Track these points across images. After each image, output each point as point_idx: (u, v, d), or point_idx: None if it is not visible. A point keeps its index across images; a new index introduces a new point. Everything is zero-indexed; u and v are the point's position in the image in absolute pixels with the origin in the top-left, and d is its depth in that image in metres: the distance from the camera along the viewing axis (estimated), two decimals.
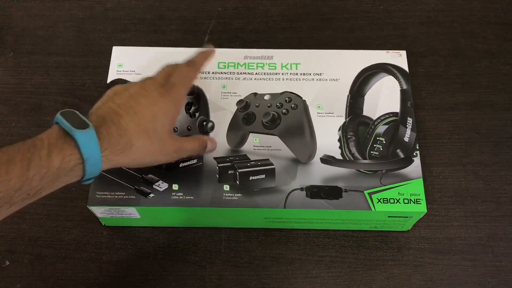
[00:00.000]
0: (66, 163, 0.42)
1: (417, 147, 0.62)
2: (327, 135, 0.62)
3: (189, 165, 0.60)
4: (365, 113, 0.64)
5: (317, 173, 0.60)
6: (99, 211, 0.59)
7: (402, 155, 0.61)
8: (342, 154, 0.61)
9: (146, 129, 0.47)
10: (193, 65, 0.56)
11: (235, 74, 0.66)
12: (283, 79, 0.66)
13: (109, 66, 0.66)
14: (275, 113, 0.63)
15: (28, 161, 0.40)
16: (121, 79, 0.64)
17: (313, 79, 0.66)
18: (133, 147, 0.46)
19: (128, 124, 0.46)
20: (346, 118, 0.63)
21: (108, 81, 0.65)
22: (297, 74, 0.66)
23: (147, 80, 0.51)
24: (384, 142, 0.62)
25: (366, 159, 0.61)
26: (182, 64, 0.55)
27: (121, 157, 0.46)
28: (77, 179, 0.44)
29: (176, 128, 0.62)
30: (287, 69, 0.67)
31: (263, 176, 0.59)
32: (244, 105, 0.64)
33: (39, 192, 0.42)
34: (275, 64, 0.67)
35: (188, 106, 0.63)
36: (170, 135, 0.51)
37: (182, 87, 0.53)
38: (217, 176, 0.59)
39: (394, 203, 0.58)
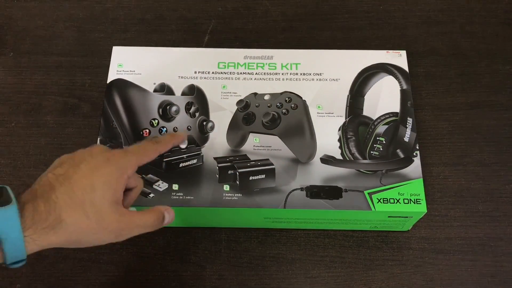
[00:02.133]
0: None
1: (417, 147, 0.62)
2: (327, 135, 0.62)
3: (189, 165, 0.61)
4: (365, 113, 0.64)
5: (317, 173, 0.60)
6: None
7: (402, 155, 0.61)
8: (342, 154, 0.61)
9: (81, 202, 0.41)
10: (157, 142, 0.50)
11: (235, 74, 0.66)
12: (283, 79, 0.66)
13: (109, 66, 0.66)
14: (275, 113, 0.63)
15: None
16: (121, 79, 0.64)
17: (313, 79, 0.66)
18: (64, 223, 0.40)
19: (59, 196, 0.40)
20: (346, 118, 0.63)
21: (108, 81, 0.65)
22: (297, 74, 0.66)
23: (99, 145, 0.46)
24: (384, 142, 0.62)
25: (366, 159, 0.61)
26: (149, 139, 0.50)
27: (52, 235, 0.40)
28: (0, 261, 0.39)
29: (176, 128, 0.62)
30: (287, 69, 0.67)
31: (263, 176, 0.59)
32: (244, 105, 0.64)
33: None
34: (275, 64, 0.67)
35: (188, 106, 0.63)
36: (114, 208, 0.43)
37: (134, 156, 0.46)
38: (217, 176, 0.59)
39: (394, 203, 0.58)
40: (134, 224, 0.45)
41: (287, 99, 0.64)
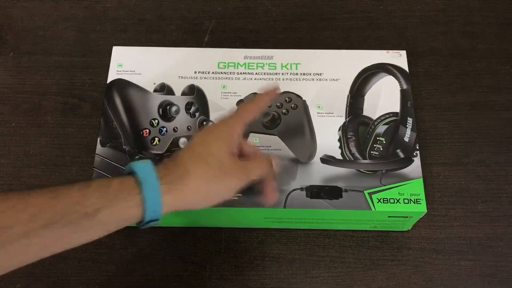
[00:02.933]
0: (124, 183, 0.42)
1: (417, 147, 0.62)
2: (327, 135, 0.62)
3: None
4: (365, 113, 0.64)
5: (317, 173, 0.60)
6: None
7: (402, 155, 0.61)
8: (342, 154, 0.61)
9: (201, 155, 0.46)
10: (256, 100, 0.54)
11: (235, 74, 0.66)
12: (283, 79, 0.66)
13: (109, 66, 0.66)
14: (275, 113, 0.63)
15: (89, 180, 0.43)
16: (121, 79, 0.64)
17: (313, 79, 0.66)
18: (191, 174, 0.45)
19: (183, 154, 0.46)
20: (346, 118, 0.63)
21: (108, 81, 0.65)
22: (297, 74, 0.66)
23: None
24: (384, 142, 0.62)
25: (366, 159, 0.61)
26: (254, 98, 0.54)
27: (182, 186, 0.44)
28: (137, 210, 0.42)
29: (176, 128, 0.62)
30: (287, 69, 0.67)
31: None
32: None
33: (96, 214, 0.40)
34: (275, 64, 0.67)
35: (188, 106, 0.63)
36: (230, 156, 0.48)
37: (238, 116, 0.51)
38: None
39: (394, 203, 0.58)
40: (250, 167, 0.49)
41: (287, 99, 0.64)
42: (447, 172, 0.67)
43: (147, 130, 0.61)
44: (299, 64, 0.67)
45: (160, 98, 0.63)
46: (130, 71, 0.66)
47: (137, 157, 0.60)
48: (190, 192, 0.44)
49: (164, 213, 0.43)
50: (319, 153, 0.61)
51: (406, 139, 0.62)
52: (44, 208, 0.39)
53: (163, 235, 0.63)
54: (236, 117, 0.51)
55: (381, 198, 0.58)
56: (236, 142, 0.50)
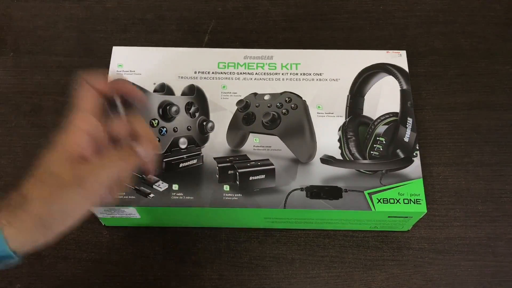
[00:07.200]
0: None
1: (417, 147, 0.62)
2: (327, 135, 0.62)
3: (189, 165, 0.61)
4: (365, 113, 0.64)
5: (317, 173, 0.60)
6: (99, 211, 0.60)
7: (402, 155, 0.61)
8: (342, 154, 0.61)
9: (36, 175, 0.41)
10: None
11: (235, 74, 0.66)
12: (283, 79, 0.66)
13: (109, 66, 0.66)
14: (275, 113, 0.63)
15: None
16: (121, 79, 0.64)
17: (313, 79, 0.66)
18: (29, 199, 0.39)
19: (26, 180, 0.41)
20: (346, 118, 0.63)
21: (108, 81, 0.65)
22: (297, 74, 0.66)
23: None
24: (384, 142, 0.62)
25: (366, 159, 0.61)
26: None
27: (24, 214, 0.39)
28: None
29: (176, 128, 0.62)
30: (287, 69, 0.67)
31: (263, 176, 0.59)
32: (244, 105, 0.64)
33: None
34: (275, 64, 0.67)
35: (188, 106, 0.63)
36: (71, 166, 0.41)
37: (79, 105, 0.45)
38: (217, 176, 0.59)
39: (394, 203, 0.58)
40: (98, 169, 0.43)
41: (287, 99, 0.64)
42: (447, 172, 0.67)
43: None
44: (299, 64, 0.67)
45: (160, 98, 0.63)
46: (130, 71, 0.66)
47: None
48: (31, 219, 0.39)
49: (16, 248, 0.39)
50: (319, 153, 0.61)
51: (406, 139, 0.62)
52: None
53: (163, 235, 0.63)
54: (75, 111, 0.44)
55: (381, 198, 0.58)
56: (81, 142, 0.42)
